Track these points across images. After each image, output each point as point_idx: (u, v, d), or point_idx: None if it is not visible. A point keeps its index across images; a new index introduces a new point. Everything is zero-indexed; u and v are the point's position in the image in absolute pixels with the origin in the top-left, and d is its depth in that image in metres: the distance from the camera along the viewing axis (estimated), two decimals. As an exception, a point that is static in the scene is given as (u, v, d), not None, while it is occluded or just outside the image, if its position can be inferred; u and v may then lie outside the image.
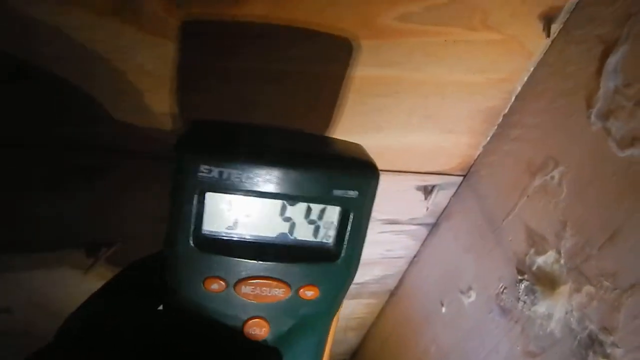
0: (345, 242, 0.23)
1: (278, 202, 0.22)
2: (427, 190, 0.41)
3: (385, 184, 0.39)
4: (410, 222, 0.45)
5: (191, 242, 0.21)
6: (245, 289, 0.22)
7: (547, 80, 0.32)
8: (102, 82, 0.27)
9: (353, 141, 0.26)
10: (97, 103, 0.28)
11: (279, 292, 0.22)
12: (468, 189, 0.41)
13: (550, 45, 0.31)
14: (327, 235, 0.23)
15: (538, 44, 0.31)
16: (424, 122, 0.35)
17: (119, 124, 0.29)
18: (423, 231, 0.46)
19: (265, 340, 0.23)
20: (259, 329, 0.23)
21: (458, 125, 0.36)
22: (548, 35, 0.30)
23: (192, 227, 0.21)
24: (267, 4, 0.25)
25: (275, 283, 0.22)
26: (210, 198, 0.21)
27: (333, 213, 0.23)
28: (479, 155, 0.39)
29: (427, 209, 0.43)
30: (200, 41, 0.26)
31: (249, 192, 0.21)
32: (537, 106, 0.33)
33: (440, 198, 0.43)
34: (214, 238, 0.22)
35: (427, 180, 0.41)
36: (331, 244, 0.24)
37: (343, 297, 0.25)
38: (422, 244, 0.48)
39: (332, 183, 0.21)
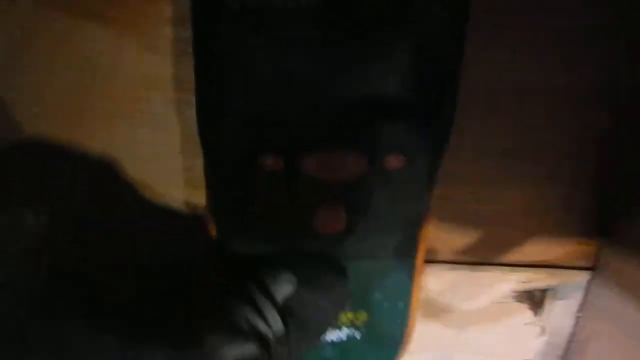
0: (432, 88, 0.17)
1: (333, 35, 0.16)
2: (535, 300, 0.25)
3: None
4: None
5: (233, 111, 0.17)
6: (310, 163, 0.17)
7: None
8: None
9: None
10: None
11: (355, 165, 0.18)
12: (603, 289, 0.24)
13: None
14: (405, 81, 0.17)
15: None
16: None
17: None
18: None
19: (343, 236, 0.18)
20: (333, 220, 0.18)
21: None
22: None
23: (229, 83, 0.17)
24: None
25: (348, 151, 0.17)
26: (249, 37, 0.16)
27: (411, 45, 0.17)
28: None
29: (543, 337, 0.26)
30: None
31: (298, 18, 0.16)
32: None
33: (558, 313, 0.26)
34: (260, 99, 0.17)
35: (530, 280, 0.25)
36: (412, 92, 0.17)
37: (435, 171, 0.19)
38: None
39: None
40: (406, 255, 0.20)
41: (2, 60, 0.18)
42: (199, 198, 0.20)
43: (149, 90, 0.19)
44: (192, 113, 0.18)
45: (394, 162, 0.18)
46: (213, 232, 0.19)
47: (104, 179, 0.19)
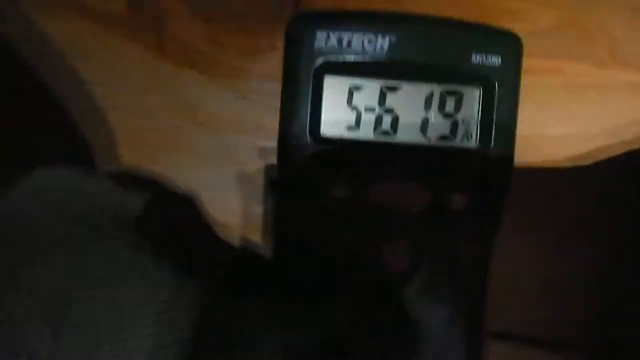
0: (493, 132, 0.19)
1: (409, 85, 0.19)
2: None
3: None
4: None
5: (309, 140, 0.19)
6: (378, 194, 0.19)
7: None
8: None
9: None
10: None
11: (420, 199, 0.19)
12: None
13: None
14: (468, 130, 0.19)
15: None
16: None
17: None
18: None
19: (401, 278, 0.19)
20: (396, 259, 0.19)
21: None
22: None
23: (309, 123, 0.19)
24: None
25: (414, 185, 0.19)
26: (330, 82, 0.19)
27: (473, 96, 0.19)
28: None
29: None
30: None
31: (374, 67, 0.18)
32: None
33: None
34: (336, 137, 0.19)
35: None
36: (474, 137, 0.19)
37: (499, 215, 0.20)
38: None
39: (470, 43, 0.19)
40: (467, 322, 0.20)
41: (121, 102, 0.21)
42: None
43: (237, 134, 0.21)
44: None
45: (456, 201, 0.19)
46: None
47: (186, 213, 0.21)
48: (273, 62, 0.21)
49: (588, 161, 0.22)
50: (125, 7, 0.21)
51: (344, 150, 0.19)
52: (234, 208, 0.22)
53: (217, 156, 0.21)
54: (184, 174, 0.21)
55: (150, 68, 0.21)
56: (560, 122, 0.22)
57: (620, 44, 0.22)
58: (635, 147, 0.22)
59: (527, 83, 0.22)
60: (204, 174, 0.21)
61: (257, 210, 0.22)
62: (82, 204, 0.18)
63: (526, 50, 0.20)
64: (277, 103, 0.19)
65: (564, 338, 0.23)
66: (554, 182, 0.23)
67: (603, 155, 0.22)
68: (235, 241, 0.22)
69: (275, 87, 0.19)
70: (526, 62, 0.21)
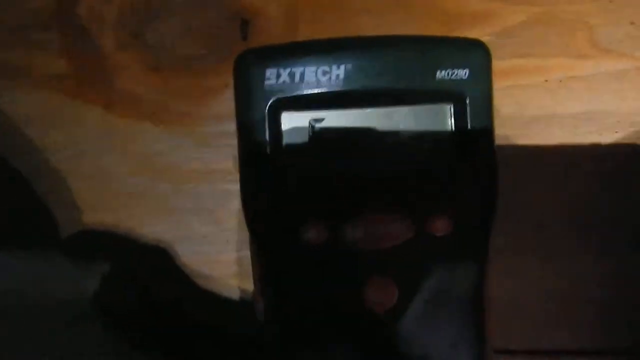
0: (471, 147, 0.18)
1: (373, 111, 0.18)
2: None
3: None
4: None
5: (273, 178, 0.18)
6: (354, 231, 0.17)
7: None
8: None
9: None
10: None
11: (400, 229, 0.18)
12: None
13: None
14: (444, 149, 0.18)
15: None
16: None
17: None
18: None
19: (393, 313, 0.18)
20: (383, 294, 0.17)
21: None
22: None
23: (270, 161, 0.18)
24: None
25: (391, 215, 0.17)
26: (288, 119, 0.18)
27: (444, 114, 0.18)
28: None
29: None
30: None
31: (332, 98, 0.17)
32: None
33: None
34: (300, 172, 0.18)
35: None
36: (450, 155, 0.18)
37: (486, 236, 0.18)
38: None
39: (432, 60, 0.18)
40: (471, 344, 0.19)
41: (78, 165, 0.20)
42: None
43: (199, 183, 0.21)
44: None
45: (441, 226, 0.18)
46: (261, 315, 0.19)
47: (161, 266, 0.21)
48: (228, 102, 0.20)
49: (576, 156, 0.21)
50: (69, 69, 0.20)
51: (311, 186, 0.18)
52: (212, 257, 0.21)
53: (184, 206, 0.21)
54: (151, 229, 0.20)
55: (103, 126, 0.20)
56: (544, 120, 0.21)
57: (599, 33, 0.20)
58: (627, 139, 0.21)
59: (506, 85, 0.21)
60: (174, 227, 0.21)
61: (236, 255, 0.21)
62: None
63: (498, 52, 0.19)
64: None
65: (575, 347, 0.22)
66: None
67: (591, 149, 0.21)
68: (222, 291, 0.21)
69: (234, 127, 0.18)
70: (500, 65, 0.20)
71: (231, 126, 0.19)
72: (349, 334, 0.18)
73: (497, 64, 0.18)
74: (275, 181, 0.18)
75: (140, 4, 0.20)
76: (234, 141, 0.19)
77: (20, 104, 0.20)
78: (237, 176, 0.19)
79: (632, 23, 0.21)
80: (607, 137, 0.21)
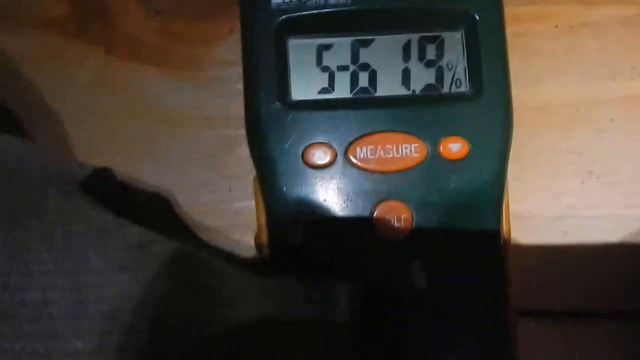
0: (484, 75, 0.17)
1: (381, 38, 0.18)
2: None
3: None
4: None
5: (277, 103, 0.17)
6: (362, 153, 0.16)
7: None
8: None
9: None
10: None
11: (411, 151, 0.16)
12: None
13: None
14: (456, 76, 0.18)
15: None
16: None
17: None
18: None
19: (408, 239, 0.16)
20: (397, 218, 0.16)
21: None
22: None
23: (277, 91, 0.17)
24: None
25: (402, 137, 0.17)
26: (295, 46, 0.17)
27: (455, 43, 0.18)
28: None
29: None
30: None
31: (341, 18, 0.17)
32: None
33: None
34: (307, 99, 0.17)
35: None
36: (463, 82, 0.18)
37: (503, 159, 0.17)
38: None
39: None
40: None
41: (75, 107, 0.20)
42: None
43: (202, 128, 0.20)
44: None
45: (455, 148, 0.17)
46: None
47: (159, 214, 0.20)
48: (232, 47, 0.19)
49: (589, 107, 0.20)
50: (69, 10, 0.20)
51: (318, 107, 0.17)
52: (211, 206, 0.20)
53: (184, 153, 0.20)
54: (149, 176, 0.19)
55: (104, 69, 0.20)
56: (557, 69, 0.21)
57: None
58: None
59: (517, 31, 0.20)
60: (172, 174, 0.20)
61: (238, 205, 0.20)
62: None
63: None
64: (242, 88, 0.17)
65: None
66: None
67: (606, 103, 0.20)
68: (223, 244, 0.20)
69: (239, 72, 0.17)
70: (512, 10, 0.19)
71: (235, 71, 0.19)
72: (359, 264, 0.17)
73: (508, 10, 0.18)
74: (281, 105, 0.17)
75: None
76: (237, 86, 0.18)
77: (19, 45, 0.20)
78: (241, 123, 0.18)
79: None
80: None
